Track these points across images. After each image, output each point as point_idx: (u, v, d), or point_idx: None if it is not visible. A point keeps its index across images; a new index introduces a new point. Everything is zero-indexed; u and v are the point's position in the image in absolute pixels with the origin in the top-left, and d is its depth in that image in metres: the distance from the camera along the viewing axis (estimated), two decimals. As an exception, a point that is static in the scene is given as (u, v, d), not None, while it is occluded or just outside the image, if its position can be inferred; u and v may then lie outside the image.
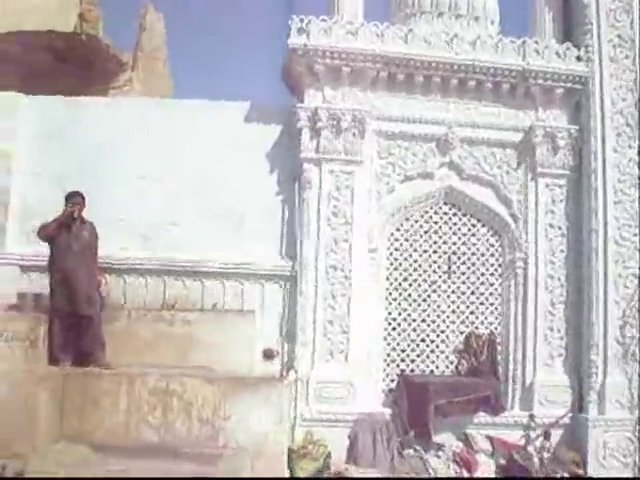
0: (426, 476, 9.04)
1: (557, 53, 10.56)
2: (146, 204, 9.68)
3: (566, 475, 8.92)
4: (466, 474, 9.27)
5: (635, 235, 10.13)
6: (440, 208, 10.43)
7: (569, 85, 10.50)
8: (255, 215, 9.89)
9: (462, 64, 10.21)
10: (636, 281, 10.03)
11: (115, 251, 9.21)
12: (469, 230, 10.45)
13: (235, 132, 10.06)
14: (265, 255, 9.85)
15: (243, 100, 10.29)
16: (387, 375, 10.08)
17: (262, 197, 9.98)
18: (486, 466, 9.39)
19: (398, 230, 10.30)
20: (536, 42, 10.60)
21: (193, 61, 30.57)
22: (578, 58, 10.54)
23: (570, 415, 9.94)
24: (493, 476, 9.30)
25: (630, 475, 9.59)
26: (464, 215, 10.47)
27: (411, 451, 9.42)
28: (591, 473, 9.46)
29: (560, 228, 10.35)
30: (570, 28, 11.03)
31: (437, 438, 9.60)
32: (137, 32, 15.12)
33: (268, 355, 9.67)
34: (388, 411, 9.70)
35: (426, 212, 10.39)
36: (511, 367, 10.25)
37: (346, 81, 10.07)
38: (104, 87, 12.74)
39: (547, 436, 9.17)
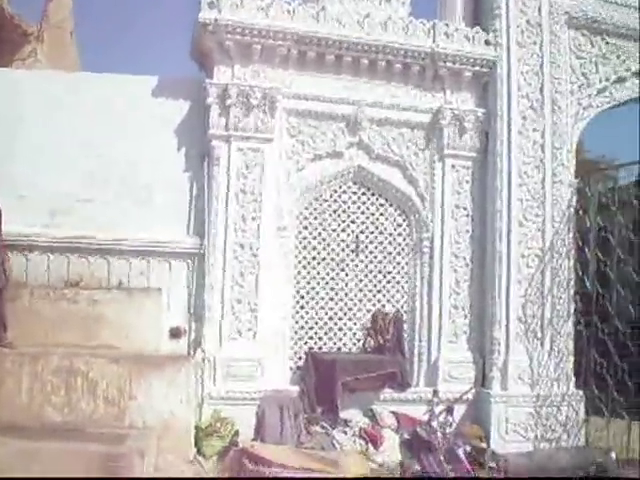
0: (333, 451, 9.11)
1: (466, 37, 10.70)
2: (51, 180, 9.41)
3: (468, 448, 9.15)
4: (372, 449, 9.40)
5: (538, 216, 10.41)
6: (349, 187, 10.48)
7: (477, 69, 10.66)
8: (163, 192, 9.73)
9: (373, 45, 10.23)
10: (537, 261, 10.35)
11: (19, 228, 8.96)
12: (377, 210, 10.56)
13: (143, 107, 9.85)
14: (173, 232, 9.70)
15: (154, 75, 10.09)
16: (295, 353, 10.13)
17: (170, 174, 9.82)
18: (391, 441, 9.55)
19: (307, 209, 10.31)
20: (446, 25, 10.71)
21: (103, 35, 29.80)
22: (487, 42, 10.71)
23: (473, 391, 10.19)
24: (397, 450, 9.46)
25: (531, 447, 9.90)
26: (373, 195, 10.55)
27: (318, 427, 9.48)
28: (493, 447, 9.72)
29: (466, 209, 10.56)
30: (480, 12, 11.17)
31: (344, 414, 9.70)
32: (44, 2, 14.61)
33: (175, 334, 9.58)
34: (296, 388, 9.74)
35: (335, 191, 10.43)
36: (417, 344, 10.44)
37: (257, 58, 9.94)
38: (7, 59, 12.29)
39: (450, 411, 9.38)
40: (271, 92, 9.86)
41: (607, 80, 11.22)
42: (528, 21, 10.80)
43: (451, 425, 9.00)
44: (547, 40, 10.80)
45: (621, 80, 11.34)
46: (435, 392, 9.41)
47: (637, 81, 11.46)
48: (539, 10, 10.86)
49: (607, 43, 11.28)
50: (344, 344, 10.32)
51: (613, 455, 9.41)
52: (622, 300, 10.25)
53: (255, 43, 9.85)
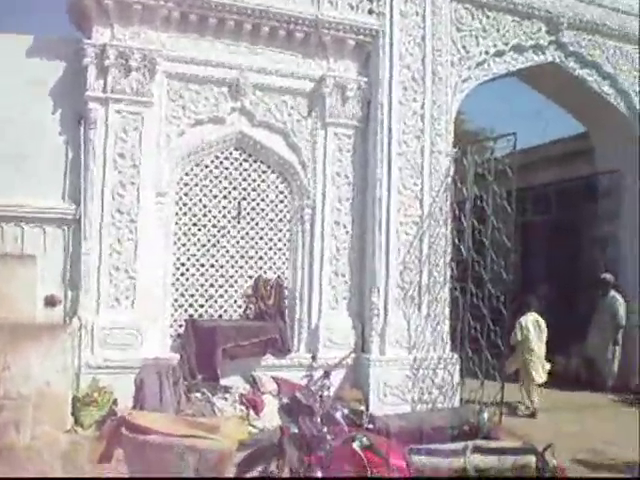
0: (214, 418, 9.12)
1: (350, 5, 10.73)
2: None
3: (346, 411, 9.31)
4: (253, 414, 9.45)
5: (416, 185, 10.64)
6: (231, 154, 10.39)
7: (361, 37, 10.72)
8: (37, 155, 9.37)
9: (256, 9, 10.11)
10: (415, 228, 10.59)
11: None
12: (259, 176, 10.52)
13: (16, 67, 9.38)
14: (48, 197, 9.40)
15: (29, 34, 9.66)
16: (175, 320, 10.04)
17: (45, 137, 9.47)
18: (272, 406, 9.62)
19: (187, 175, 10.16)
20: (331, -7, 10.74)
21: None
22: (370, 11, 10.78)
23: (353, 356, 10.34)
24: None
25: (408, 409, 10.19)
26: (255, 161, 10.51)
27: (199, 394, 9.46)
28: (372, 409, 9.94)
29: (347, 177, 10.67)
30: (365, -19, 11.25)
31: (225, 381, 9.73)
32: None
33: (50, 302, 9.32)
34: (176, 356, 9.67)
35: (217, 157, 10.32)
36: (298, 310, 10.55)
37: (137, 19, 9.65)
38: None
39: (327, 375, 9.43)
40: (151, 54, 9.63)
41: (487, 53, 11.51)
42: (411, -8, 10.93)
43: (329, 389, 9.12)
44: (429, 11, 10.96)
45: (500, 54, 11.66)
46: (314, 357, 9.49)
47: (515, 55, 11.83)
48: (423, -18, 11.00)
49: (487, 17, 11.55)
50: (225, 311, 10.30)
51: (485, 415, 9.77)
52: (496, 266, 10.59)
53: (135, 3, 9.55)
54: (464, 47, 11.30)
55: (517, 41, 11.73)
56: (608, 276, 13.25)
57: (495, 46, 11.56)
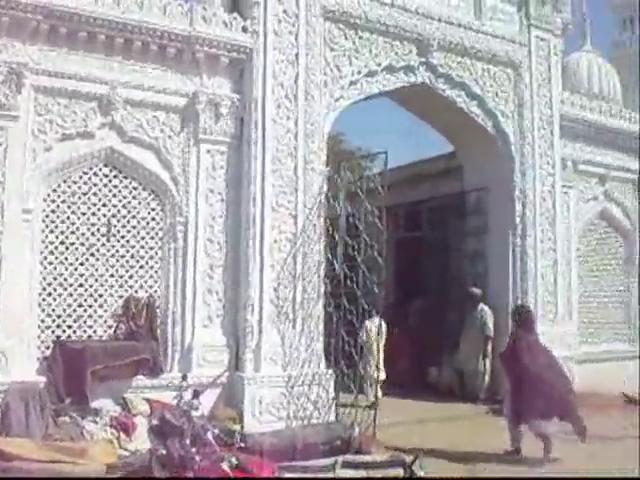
0: (82, 441, 8.87)
1: (224, 22, 10.75)
2: None
3: (216, 431, 9.25)
4: (124, 437, 9.24)
5: (290, 202, 10.74)
6: (100, 170, 10.13)
7: (234, 55, 10.75)
8: None
9: (128, 23, 9.98)
10: (289, 245, 10.67)
11: None
12: (130, 193, 10.31)
13: None
14: None
15: None
16: (43, 342, 9.64)
17: None
18: (144, 428, 9.43)
19: (55, 191, 9.84)
20: (204, 9, 10.69)
21: None
22: (244, 29, 10.83)
23: (227, 374, 10.35)
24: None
25: (284, 426, 10.21)
26: (125, 178, 10.29)
27: (67, 418, 9.16)
28: (247, 428, 9.91)
29: (220, 194, 10.63)
30: (239, -1, 11.32)
31: (95, 404, 9.43)
32: None
33: None
34: (43, 379, 9.34)
35: (86, 173, 10.04)
36: (170, 329, 10.36)
37: (3, 31, 9.33)
38: None
39: (197, 395, 9.41)
40: (18, 68, 9.32)
41: (359, 73, 11.76)
42: (285, 11, 11.07)
43: (197, 409, 9.05)
44: (303, 31, 11.13)
45: (372, 74, 11.93)
46: (184, 377, 9.39)
47: (387, 75, 12.15)
48: (297, 1, 11.15)
49: (360, 37, 11.83)
50: (95, 332, 9.98)
51: (356, 429, 9.97)
52: (368, 282, 10.81)
53: (3, 15, 9.25)
54: (337, 66, 11.52)
55: (389, 62, 12.06)
56: (476, 290, 13.77)
57: (367, 66, 11.83)
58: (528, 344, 9.70)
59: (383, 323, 11.79)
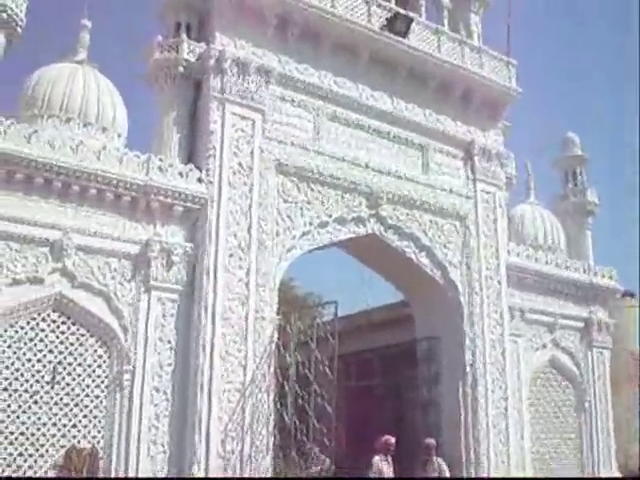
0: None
1: (180, 173, 11.06)
2: None
3: None
4: None
5: (240, 351, 10.66)
6: (49, 315, 10.03)
7: (189, 204, 10.99)
8: None
9: (85, 172, 10.22)
10: (238, 395, 10.48)
11: None
12: (77, 340, 10.16)
13: None
14: None
15: None
16: (-25, 497, 9.20)
17: None
18: None
19: (1, 337, 9.65)
20: (160, 160, 11.03)
21: None
22: (199, 180, 11.12)
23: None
24: None
25: None
26: (73, 324, 10.18)
27: None
28: None
29: (170, 342, 10.53)
30: (195, 150, 11.66)
31: None
32: None
33: None
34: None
35: (33, 319, 9.91)
36: (109, 484, 9.93)
37: (-42, 176, 9.48)
38: None
39: None
40: (-30, 214, 9.38)
41: (311, 224, 12.01)
42: (240, 164, 11.42)
43: None
44: (257, 183, 11.46)
45: (324, 225, 12.21)
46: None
47: (338, 226, 12.41)
48: (251, 154, 11.55)
49: (312, 190, 12.18)
50: (34, 484, 9.54)
51: None
52: (317, 433, 10.58)
53: (-42, 161, 9.40)
54: (289, 217, 11.77)
55: (340, 213, 12.38)
56: (432, 441, 13.43)
57: (319, 217, 12.11)
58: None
59: None
